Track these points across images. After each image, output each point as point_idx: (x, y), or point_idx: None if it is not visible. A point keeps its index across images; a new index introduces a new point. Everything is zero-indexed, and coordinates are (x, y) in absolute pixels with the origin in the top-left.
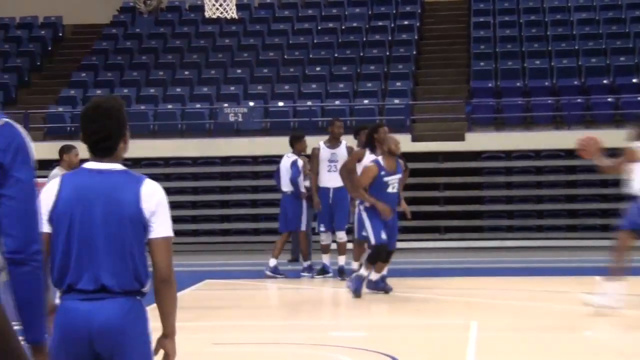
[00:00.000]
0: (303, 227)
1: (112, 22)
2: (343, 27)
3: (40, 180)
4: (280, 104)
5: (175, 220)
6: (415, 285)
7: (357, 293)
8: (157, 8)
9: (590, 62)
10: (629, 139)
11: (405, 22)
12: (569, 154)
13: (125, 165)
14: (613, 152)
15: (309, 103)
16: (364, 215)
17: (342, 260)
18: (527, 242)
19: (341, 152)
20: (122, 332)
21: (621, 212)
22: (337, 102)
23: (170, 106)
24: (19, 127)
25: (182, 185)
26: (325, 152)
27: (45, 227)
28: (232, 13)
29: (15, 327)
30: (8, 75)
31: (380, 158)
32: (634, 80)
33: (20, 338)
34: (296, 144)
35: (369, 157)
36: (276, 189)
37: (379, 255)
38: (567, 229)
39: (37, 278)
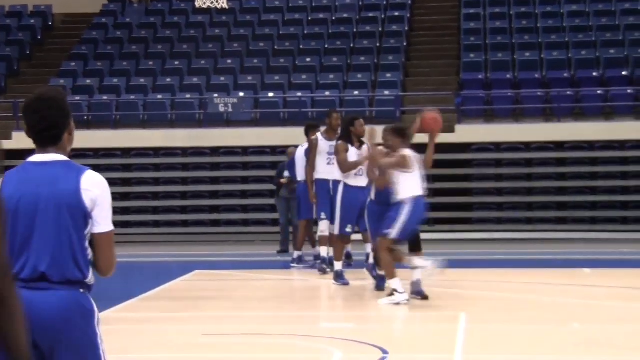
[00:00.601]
0: (313, 216)
1: (102, 11)
2: (333, 18)
3: None
4: (271, 94)
5: (165, 210)
6: (404, 277)
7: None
8: None
9: (580, 54)
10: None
11: (396, 14)
12: (559, 146)
13: (114, 155)
14: (606, 145)
15: (299, 94)
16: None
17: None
18: (517, 234)
19: None
20: (61, 328)
21: (612, 204)
22: (327, 93)
23: (160, 96)
24: None
25: (172, 175)
26: (323, 145)
27: None
28: (223, 3)
29: None
30: None
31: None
32: (624, 73)
33: None
34: (312, 133)
35: (353, 151)
36: (265, 179)
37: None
38: (557, 222)
39: None
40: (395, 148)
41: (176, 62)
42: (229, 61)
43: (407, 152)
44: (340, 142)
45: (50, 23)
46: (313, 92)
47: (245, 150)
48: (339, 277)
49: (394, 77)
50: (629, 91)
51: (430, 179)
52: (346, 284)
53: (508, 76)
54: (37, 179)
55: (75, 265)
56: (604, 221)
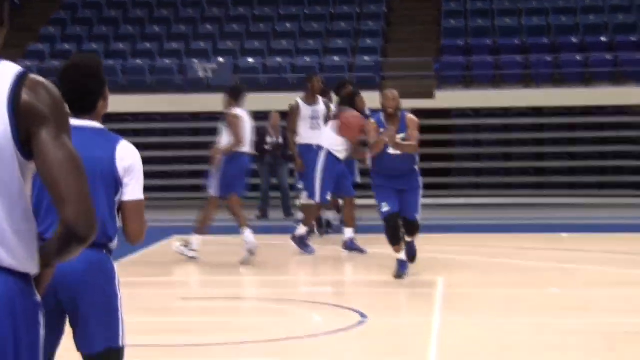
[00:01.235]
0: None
1: None
2: None
3: None
4: (250, 60)
5: (145, 176)
6: (382, 241)
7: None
8: None
9: (560, 20)
10: (225, 107)
11: None
12: (538, 111)
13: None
14: (584, 111)
15: (279, 60)
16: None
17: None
18: (495, 199)
19: (322, 109)
20: (83, 283)
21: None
22: (307, 59)
23: (139, 61)
24: None
25: (151, 140)
26: (305, 110)
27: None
28: None
29: None
30: None
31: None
32: (603, 39)
33: None
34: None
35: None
36: None
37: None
38: (535, 187)
39: None
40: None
41: (155, 28)
42: (209, 27)
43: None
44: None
45: None
46: (293, 57)
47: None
48: (302, 242)
49: (374, 43)
50: (607, 57)
51: None
52: (311, 252)
53: (488, 42)
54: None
55: (102, 229)
56: (582, 186)
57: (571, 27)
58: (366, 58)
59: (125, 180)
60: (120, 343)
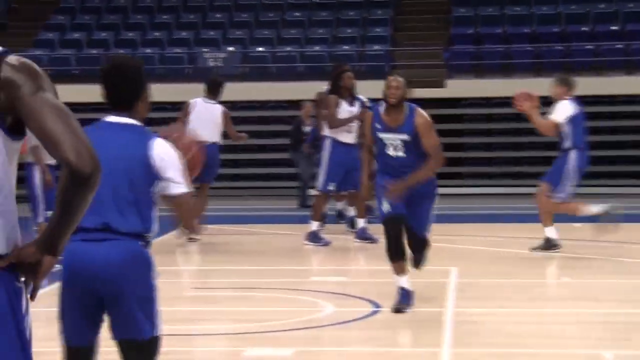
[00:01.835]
0: None
1: None
2: None
3: None
4: (260, 49)
5: None
6: None
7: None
8: None
9: (570, 9)
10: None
11: None
12: (548, 100)
13: (105, 110)
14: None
15: (288, 48)
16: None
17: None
18: (507, 189)
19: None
20: (122, 273)
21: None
22: (316, 48)
23: (148, 50)
24: None
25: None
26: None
27: None
28: None
29: None
30: None
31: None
32: (613, 28)
33: None
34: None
35: (344, 106)
36: (253, 134)
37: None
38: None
39: None
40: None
41: (164, 16)
42: (218, 15)
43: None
44: (331, 95)
45: None
46: (302, 46)
47: (234, 105)
48: (316, 237)
49: (384, 32)
50: (619, 46)
51: None
52: (326, 244)
53: (498, 31)
54: (111, 138)
55: (138, 220)
56: (594, 176)
57: (582, 15)
58: (376, 47)
59: (167, 176)
60: (159, 332)
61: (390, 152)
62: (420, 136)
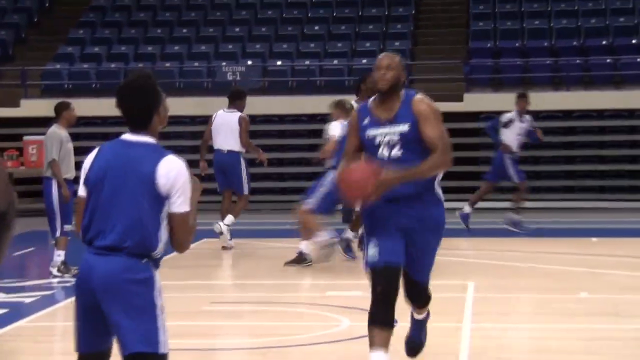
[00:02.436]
0: None
1: None
2: None
3: (37, 137)
4: (279, 62)
5: None
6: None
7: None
8: None
9: (589, 22)
10: None
11: None
12: (567, 115)
13: (122, 123)
14: (615, 114)
15: (307, 62)
16: None
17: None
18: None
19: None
20: (115, 287)
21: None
22: (335, 62)
23: (168, 64)
24: None
25: (180, 143)
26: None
27: (81, 191)
28: None
29: None
30: (4, 32)
31: None
32: (633, 41)
33: None
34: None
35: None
36: (274, 148)
37: None
38: (565, 190)
39: None
40: None
41: (184, 30)
42: (237, 29)
43: None
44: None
45: None
46: (321, 60)
47: (253, 119)
48: (347, 246)
49: (403, 46)
50: (638, 59)
51: None
52: (352, 257)
53: (517, 44)
54: (124, 156)
55: (144, 240)
56: (612, 190)
57: (601, 29)
58: None
59: (171, 194)
60: (160, 350)
61: (384, 152)
62: (421, 126)
